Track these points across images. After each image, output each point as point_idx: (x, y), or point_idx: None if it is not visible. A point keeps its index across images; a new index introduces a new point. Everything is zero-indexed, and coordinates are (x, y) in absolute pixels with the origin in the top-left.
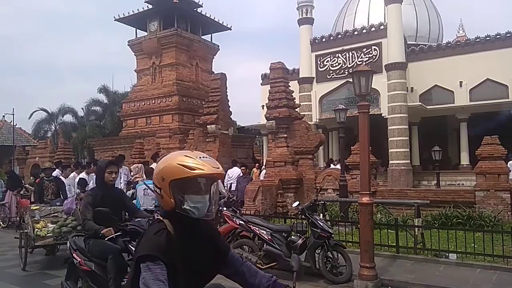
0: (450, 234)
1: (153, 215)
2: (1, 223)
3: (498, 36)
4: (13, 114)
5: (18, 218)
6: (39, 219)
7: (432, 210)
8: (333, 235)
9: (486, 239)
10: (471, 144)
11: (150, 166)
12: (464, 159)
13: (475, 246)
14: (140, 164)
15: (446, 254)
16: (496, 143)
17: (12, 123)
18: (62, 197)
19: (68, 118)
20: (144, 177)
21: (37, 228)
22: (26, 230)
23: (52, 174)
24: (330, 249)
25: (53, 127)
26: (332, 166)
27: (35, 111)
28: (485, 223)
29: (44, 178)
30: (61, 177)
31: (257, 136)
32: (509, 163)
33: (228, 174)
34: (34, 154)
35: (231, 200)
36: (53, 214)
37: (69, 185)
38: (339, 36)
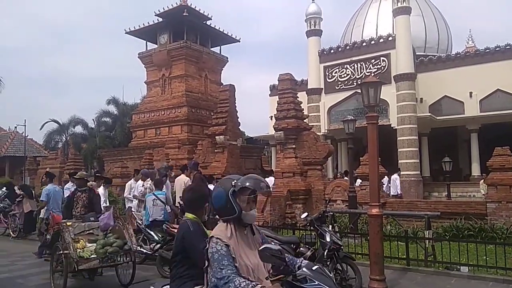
0: (461, 246)
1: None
2: (11, 233)
3: (508, 47)
4: (25, 125)
5: (48, 236)
6: (76, 237)
7: (443, 222)
8: (342, 247)
9: (498, 251)
10: (482, 155)
11: (157, 177)
12: (475, 170)
13: (487, 258)
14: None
15: (457, 266)
16: (507, 154)
17: (23, 134)
18: (95, 211)
19: (78, 129)
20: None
21: (78, 248)
22: (66, 251)
23: (66, 187)
24: (339, 261)
25: (64, 138)
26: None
27: (46, 122)
28: (497, 235)
29: (77, 189)
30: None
31: (265, 147)
32: None
33: None
34: (45, 165)
35: None
36: (88, 231)
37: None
38: (348, 47)
